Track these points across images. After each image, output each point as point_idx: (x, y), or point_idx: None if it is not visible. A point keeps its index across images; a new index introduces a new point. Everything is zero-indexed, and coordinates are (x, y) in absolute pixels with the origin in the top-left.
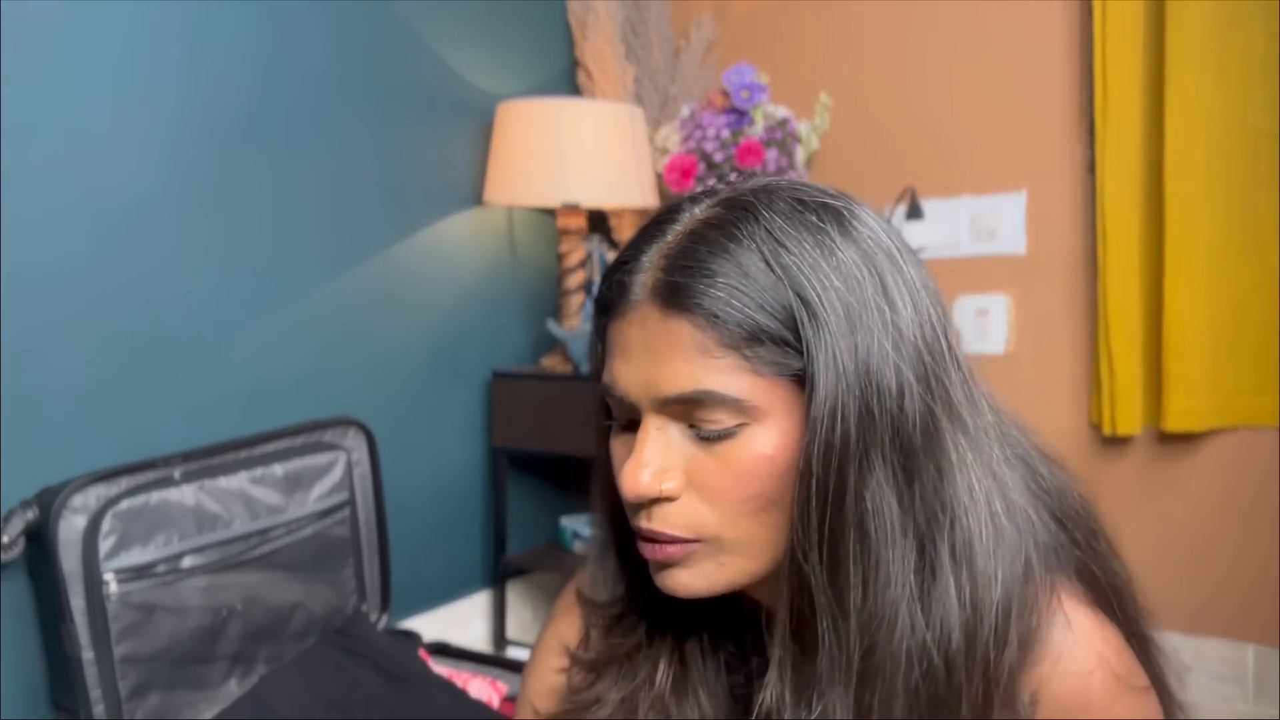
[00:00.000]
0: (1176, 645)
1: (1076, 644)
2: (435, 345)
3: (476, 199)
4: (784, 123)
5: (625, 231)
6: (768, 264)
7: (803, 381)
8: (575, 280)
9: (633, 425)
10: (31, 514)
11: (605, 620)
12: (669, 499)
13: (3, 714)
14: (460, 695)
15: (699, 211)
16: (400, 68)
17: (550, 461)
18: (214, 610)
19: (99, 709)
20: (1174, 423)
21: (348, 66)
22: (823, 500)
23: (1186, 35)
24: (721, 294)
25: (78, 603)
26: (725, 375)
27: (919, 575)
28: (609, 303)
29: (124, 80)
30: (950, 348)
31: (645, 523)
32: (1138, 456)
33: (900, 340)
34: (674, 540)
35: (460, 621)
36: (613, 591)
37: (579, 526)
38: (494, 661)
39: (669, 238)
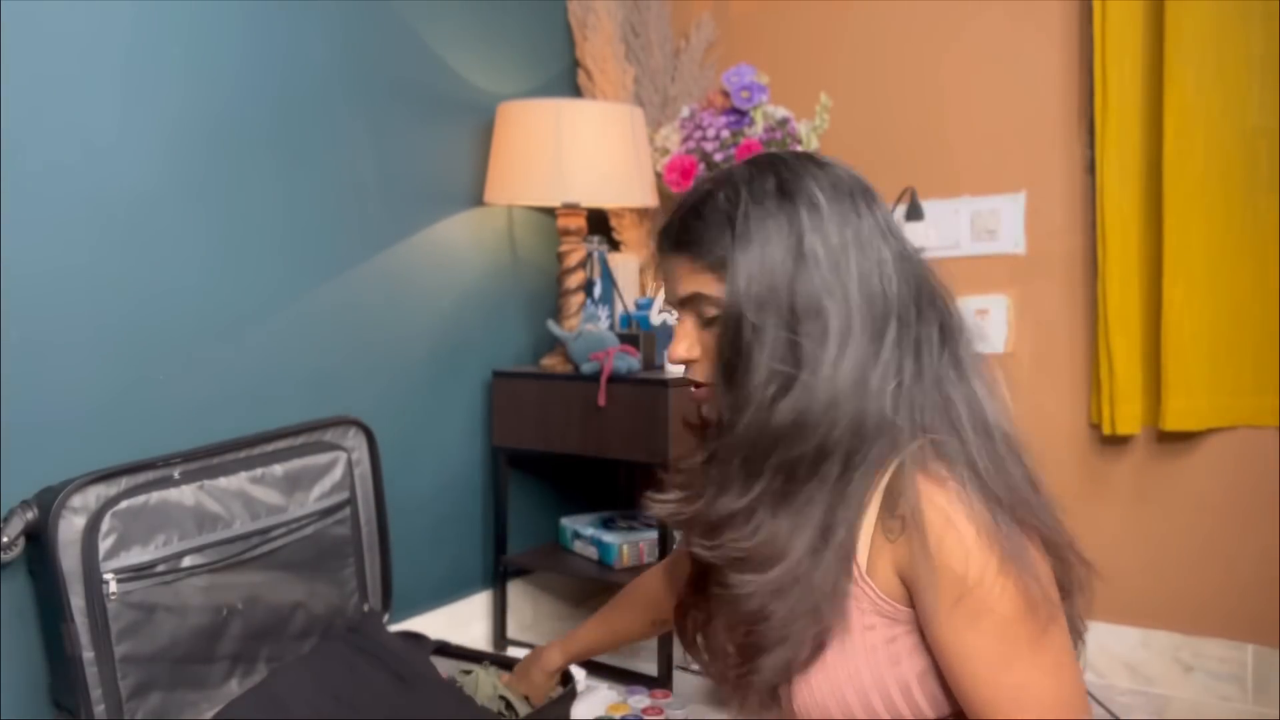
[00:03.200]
0: (1176, 645)
1: (929, 504)
2: (435, 345)
3: (476, 199)
4: (784, 123)
5: (625, 231)
6: (722, 215)
7: None
8: (575, 280)
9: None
10: (31, 514)
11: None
12: (694, 360)
13: (3, 714)
14: (467, 702)
15: (704, 186)
16: (400, 68)
17: (550, 461)
18: (214, 610)
19: (100, 709)
20: (1173, 422)
21: (348, 67)
22: (728, 346)
23: (1186, 35)
24: (695, 236)
25: (78, 602)
26: (704, 284)
27: (778, 385)
28: (656, 255)
29: (125, 81)
30: (857, 248)
31: (687, 375)
32: (1137, 456)
33: (802, 258)
34: (699, 385)
35: (460, 621)
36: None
37: (579, 526)
38: (495, 661)
39: (682, 209)
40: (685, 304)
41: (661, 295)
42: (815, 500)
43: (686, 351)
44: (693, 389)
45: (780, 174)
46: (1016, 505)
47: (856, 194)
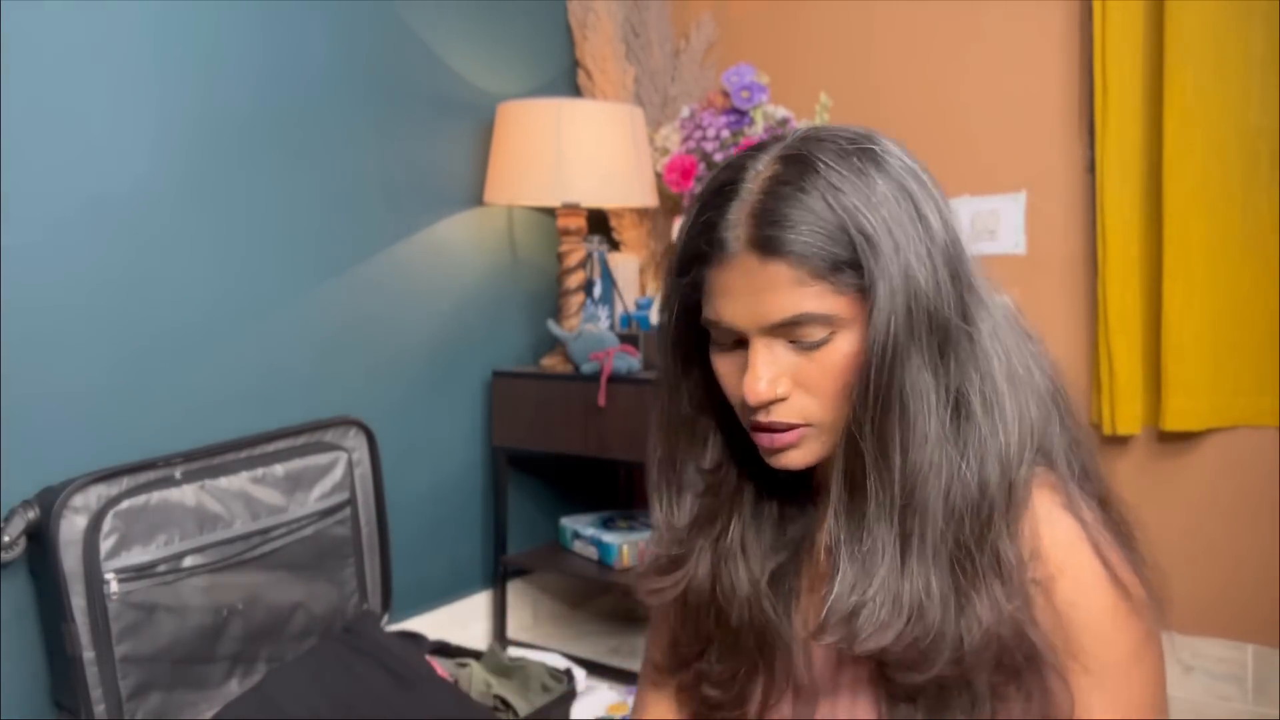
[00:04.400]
0: (1176, 645)
1: (1054, 520)
2: (435, 345)
3: (476, 199)
4: (784, 123)
5: (625, 231)
6: (830, 207)
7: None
8: (575, 280)
9: (736, 345)
10: (32, 514)
11: (702, 486)
12: (782, 399)
13: (4, 714)
14: (464, 699)
15: (762, 168)
16: (401, 68)
17: (550, 461)
18: (215, 610)
19: (100, 709)
20: (1173, 422)
21: (349, 67)
22: (875, 384)
23: (1186, 35)
24: (805, 238)
25: (78, 602)
26: (818, 298)
27: (955, 424)
28: (704, 256)
29: (125, 81)
30: (958, 231)
31: (764, 418)
32: (1138, 456)
33: (932, 243)
34: (790, 428)
35: (460, 621)
36: (711, 464)
37: (579, 526)
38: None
39: (745, 196)
40: (777, 328)
41: (719, 314)
42: (985, 564)
43: (773, 388)
44: (769, 435)
45: (860, 144)
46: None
47: (922, 162)
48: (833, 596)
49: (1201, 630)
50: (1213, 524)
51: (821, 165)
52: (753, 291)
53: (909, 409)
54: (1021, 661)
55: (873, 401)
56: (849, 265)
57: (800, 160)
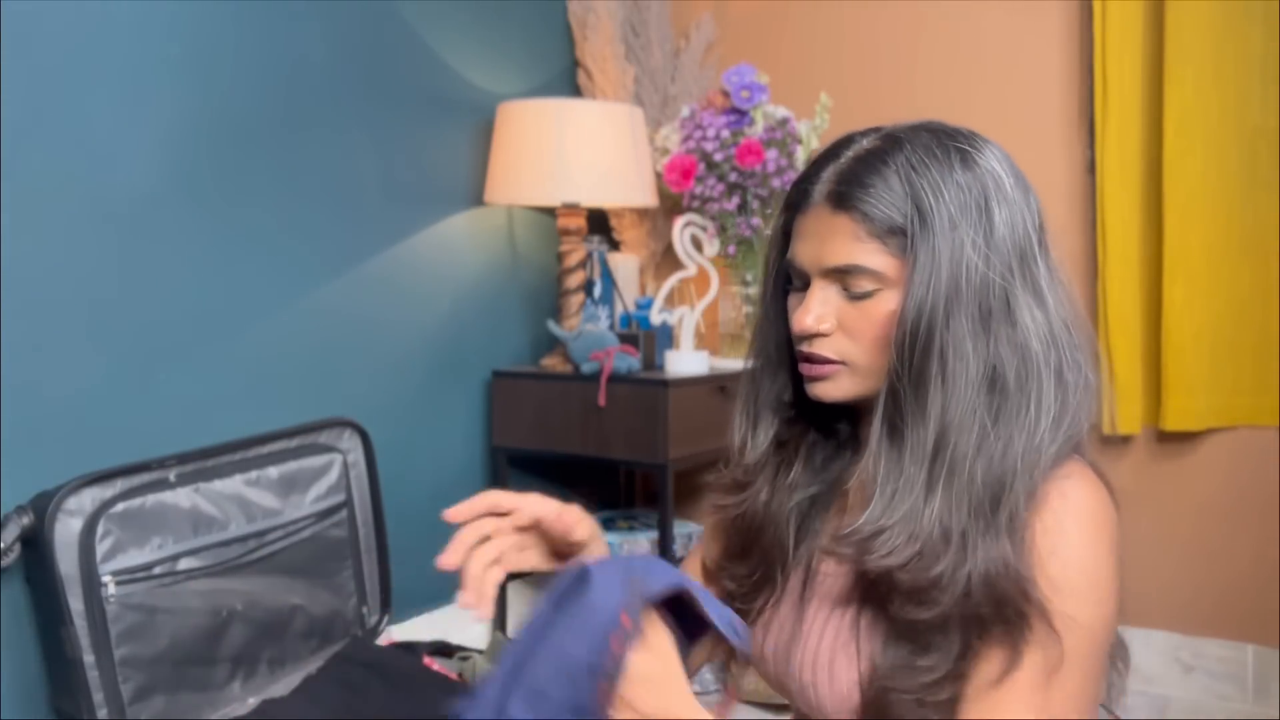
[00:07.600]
0: (1176, 645)
1: (1068, 505)
2: (435, 345)
3: (476, 199)
4: (784, 123)
5: (625, 231)
6: (902, 180)
7: None
8: (575, 280)
9: (805, 288)
10: (27, 519)
11: (776, 421)
12: (824, 335)
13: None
14: (465, 692)
15: (865, 142)
16: (400, 68)
17: (550, 461)
18: (214, 612)
19: (103, 712)
20: (1173, 422)
21: (348, 67)
22: (913, 337)
23: (1186, 35)
24: (871, 199)
25: (76, 605)
26: (871, 254)
27: (990, 395)
28: (794, 203)
29: (124, 80)
30: (1039, 245)
31: (808, 348)
32: (1138, 456)
33: (991, 235)
34: (826, 361)
35: (460, 621)
36: (786, 396)
37: None
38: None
39: (841, 160)
40: (833, 273)
41: (789, 256)
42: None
43: (817, 323)
44: (809, 364)
45: (958, 141)
46: None
47: (1024, 177)
48: (862, 519)
49: (1201, 630)
50: (1213, 524)
51: (911, 146)
52: (820, 238)
53: (948, 364)
54: (1014, 615)
55: (910, 353)
56: (903, 232)
57: (896, 140)
